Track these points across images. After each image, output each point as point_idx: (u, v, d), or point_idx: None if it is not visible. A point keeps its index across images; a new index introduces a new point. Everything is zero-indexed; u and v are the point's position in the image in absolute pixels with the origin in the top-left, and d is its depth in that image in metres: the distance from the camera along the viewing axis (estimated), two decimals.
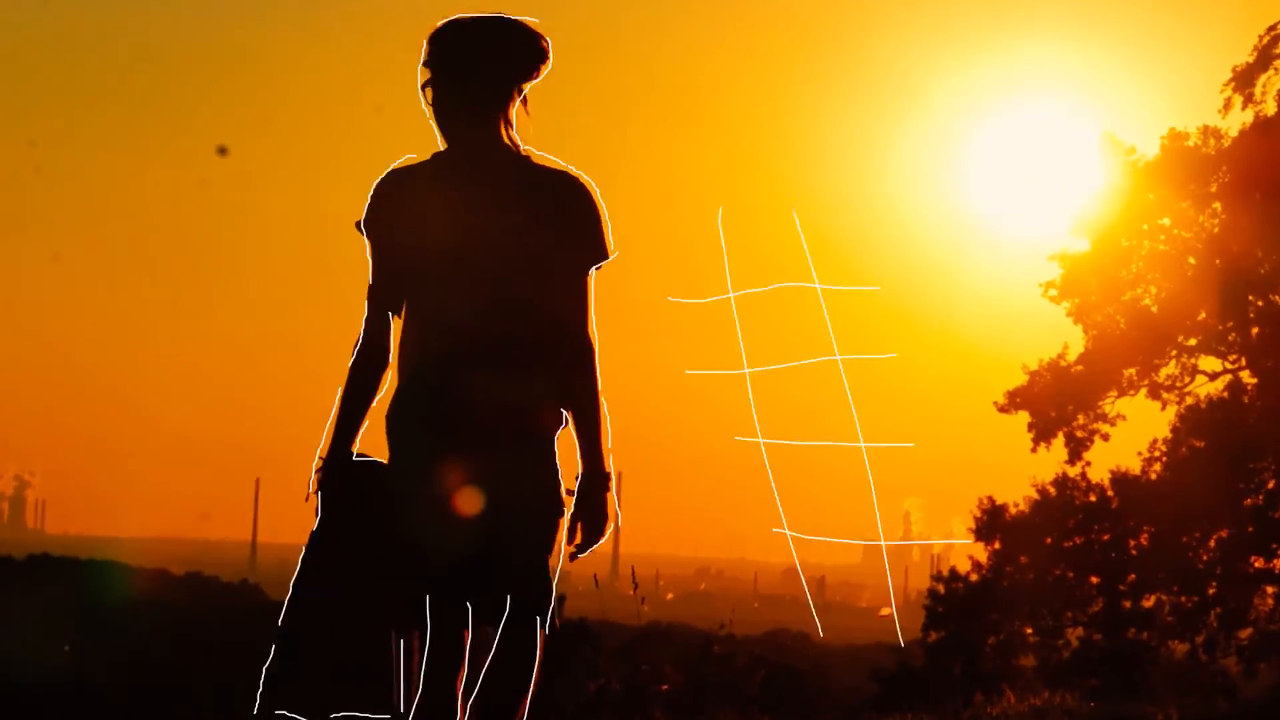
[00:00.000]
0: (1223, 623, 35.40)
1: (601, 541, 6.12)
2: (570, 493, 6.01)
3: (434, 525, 5.86)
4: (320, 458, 5.92)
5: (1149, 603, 36.26)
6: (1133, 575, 36.25)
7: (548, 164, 6.03)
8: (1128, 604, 36.26)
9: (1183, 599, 35.78)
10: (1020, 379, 36.77)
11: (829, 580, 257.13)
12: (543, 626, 6.10)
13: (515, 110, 6.02)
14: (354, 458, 5.94)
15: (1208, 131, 35.32)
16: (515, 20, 6.00)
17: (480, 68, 5.94)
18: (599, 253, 6.01)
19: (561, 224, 5.95)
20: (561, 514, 6.03)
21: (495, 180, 5.95)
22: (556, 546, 6.09)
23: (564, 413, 6.02)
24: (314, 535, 5.92)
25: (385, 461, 5.97)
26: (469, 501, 5.83)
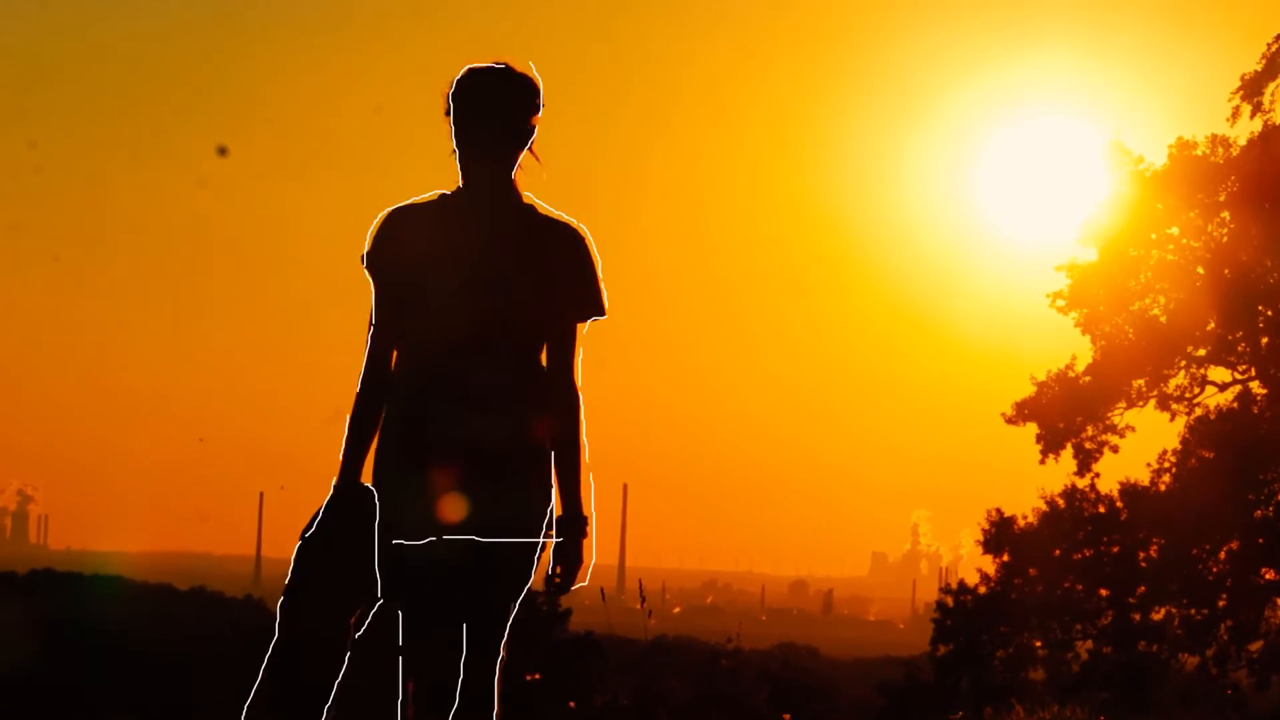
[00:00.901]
0: (1233, 635, 35.23)
1: (577, 585, 6.36)
2: (547, 536, 6.25)
3: (405, 552, 6.14)
4: (334, 485, 6.22)
5: (1159, 615, 36.10)
6: (1142, 588, 36.08)
7: (549, 214, 6.31)
8: (1137, 616, 36.10)
9: (1193, 611, 35.62)
10: (1028, 390, 36.65)
11: (837, 594, 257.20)
12: (496, 654, 6.33)
13: (523, 157, 6.32)
14: (363, 487, 6.23)
15: (1216, 140, 35.21)
16: (523, 72, 6.33)
17: (499, 116, 6.27)
18: (594, 308, 6.30)
19: (557, 275, 6.24)
20: (535, 549, 6.28)
21: (500, 227, 6.24)
22: (535, 573, 6.36)
23: (542, 451, 6.24)
24: (307, 552, 6.18)
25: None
26: (436, 530, 6.11)
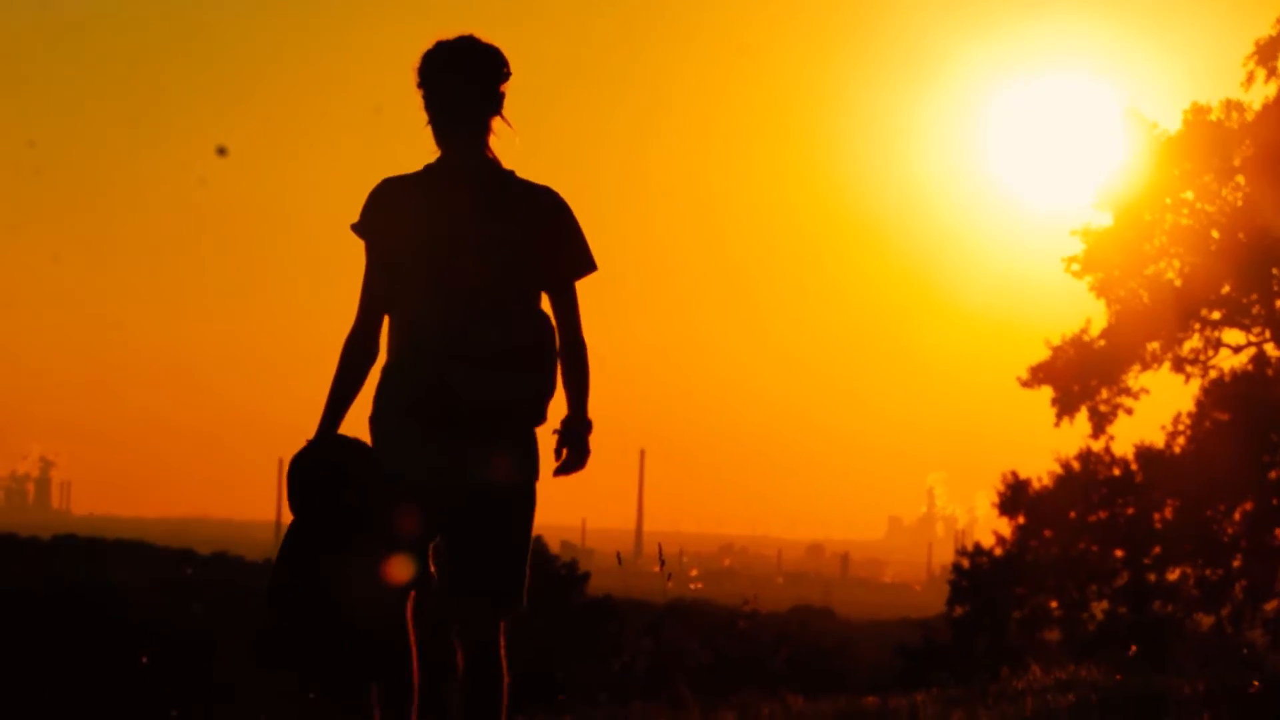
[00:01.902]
0: (1248, 595, 35.40)
1: (579, 469, 6.62)
2: (555, 431, 6.54)
3: (413, 505, 6.39)
4: (308, 441, 6.45)
5: (1174, 576, 36.28)
6: (1157, 548, 36.26)
7: (527, 180, 6.59)
8: (1152, 577, 36.29)
9: (1208, 572, 35.79)
10: (1043, 354, 36.78)
11: (853, 556, 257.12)
12: (518, 604, 6.63)
13: (496, 124, 6.60)
14: (340, 439, 6.48)
15: (1230, 105, 35.26)
16: (488, 43, 6.60)
17: (465, 86, 6.54)
18: (586, 265, 6.62)
19: (545, 235, 6.54)
20: (533, 500, 6.63)
21: (482, 191, 6.52)
22: (530, 528, 6.70)
23: (542, 409, 6.56)
24: (298, 515, 6.42)
25: (367, 443, 6.50)
26: (445, 485, 6.41)
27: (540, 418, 6.57)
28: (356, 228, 6.53)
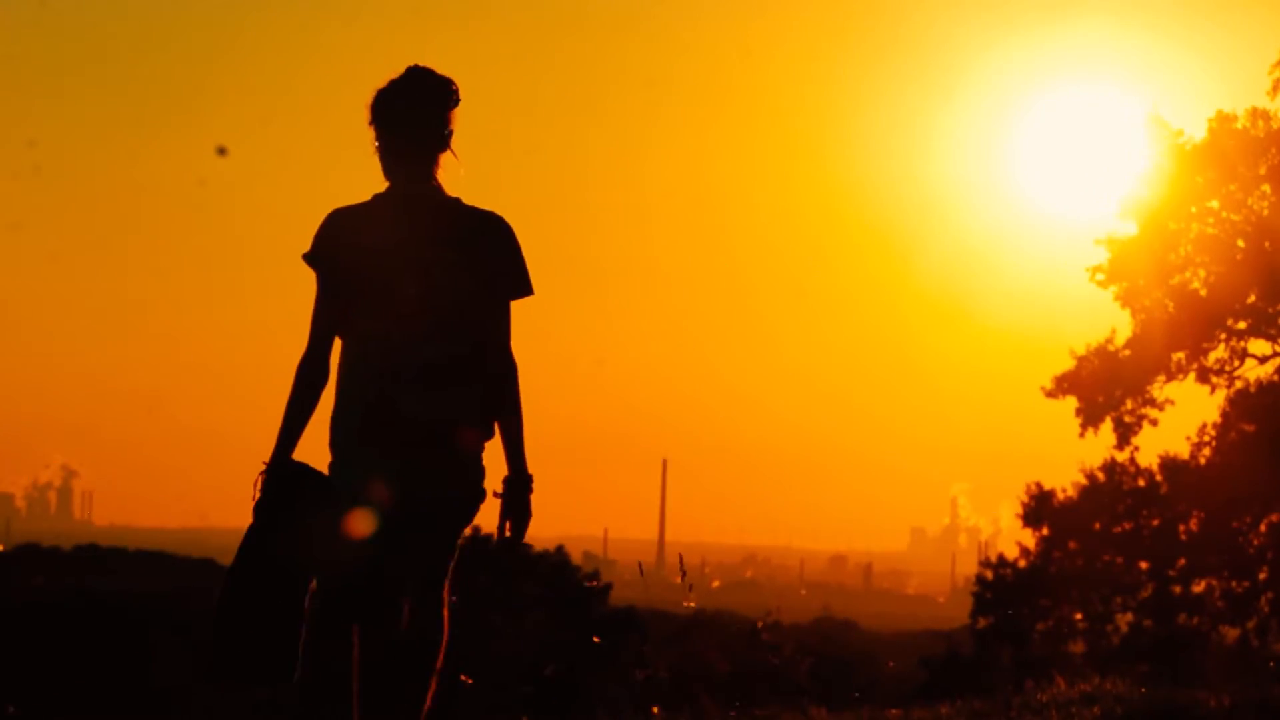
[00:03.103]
0: (1274, 607, 35.21)
1: (523, 534, 6.93)
2: (497, 495, 6.85)
3: (370, 527, 6.65)
4: (264, 464, 6.76)
5: (1199, 588, 36.10)
6: (1183, 560, 36.08)
7: (473, 207, 6.88)
8: (1178, 589, 36.11)
9: (1233, 584, 35.62)
10: (1068, 364, 36.63)
11: (876, 568, 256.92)
12: (452, 595, 6.93)
13: (444, 157, 6.89)
14: (292, 465, 6.77)
15: (1256, 113, 35.12)
16: (435, 74, 6.86)
17: (414, 121, 6.83)
18: (522, 288, 6.91)
19: (488, 261, 6.81)
20: (478, 501, 6.88)
21: (430, 218, 6.80)
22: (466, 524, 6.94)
23: (488, 427, 6.88)
24: (251, 529, 6.71)
25: (321, 470, 6.78)
26: (399, 506, 6.67)
27: (488, 433, 6.86)
28: (308, 258, 6.79)
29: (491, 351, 6.84)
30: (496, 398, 6.86)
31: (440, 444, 6.72)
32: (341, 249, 6.76)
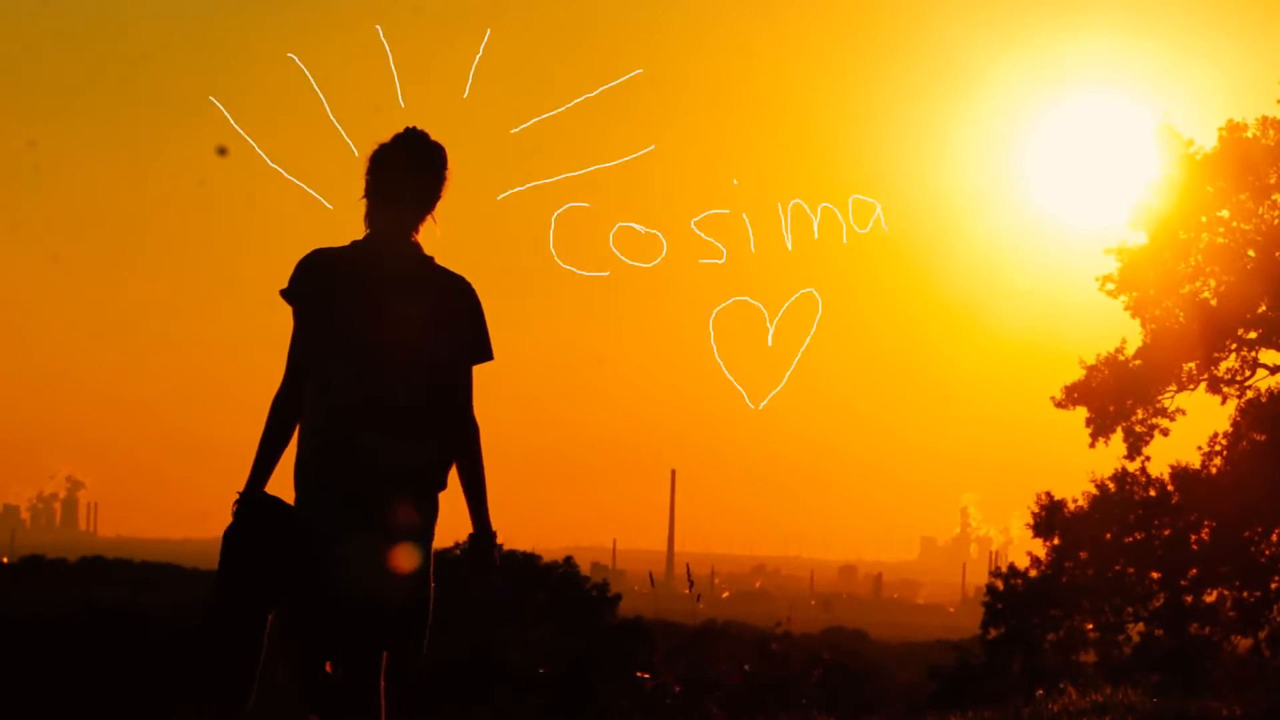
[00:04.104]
0: None
1: (487, 588, 7.18)
2: (460, 550, 7.43)
3: (330, 561, 6.90)
4: (238, 495, 7.02)
5: (1211, 598, 35.98)
6: (1194, 570, 35.96)
7: (444, 268, 7.15)
8: (1189, 599, 35.99)
9: (1245, 594, 35.50)
10: (1077, 374, 36.52)
11: (886, 578, 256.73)
12: (418, 649, 7.12)
13: (427, 222, 7.17)
14: (264, 498, 7.03)
15: (1266, 122, 35.01)
16: (432, 140, 7.15)
17: (413, 179, 7.12)
18: (484, 354, 7.18)
19: (457, 323, 7.10)
20: (429, 555, 7.11)
21: (404, 273, 7.06)
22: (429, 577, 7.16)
23: (444, 476, 7.13)
24: (225, 559, 6.98)
25: (290, 504, 7.03)
26: (360, 544, 6.91)
27: (441, 484, 7.11)
28: (286, 294, 7.04)
29: (454, 412, 7.07)
30: (454, 452, 7.09)
31: (400, 493, 6.94)
32: (319, 290, 7.00)
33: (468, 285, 7.12)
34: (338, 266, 7.03)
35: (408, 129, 7.12)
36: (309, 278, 7.04)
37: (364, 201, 7.14)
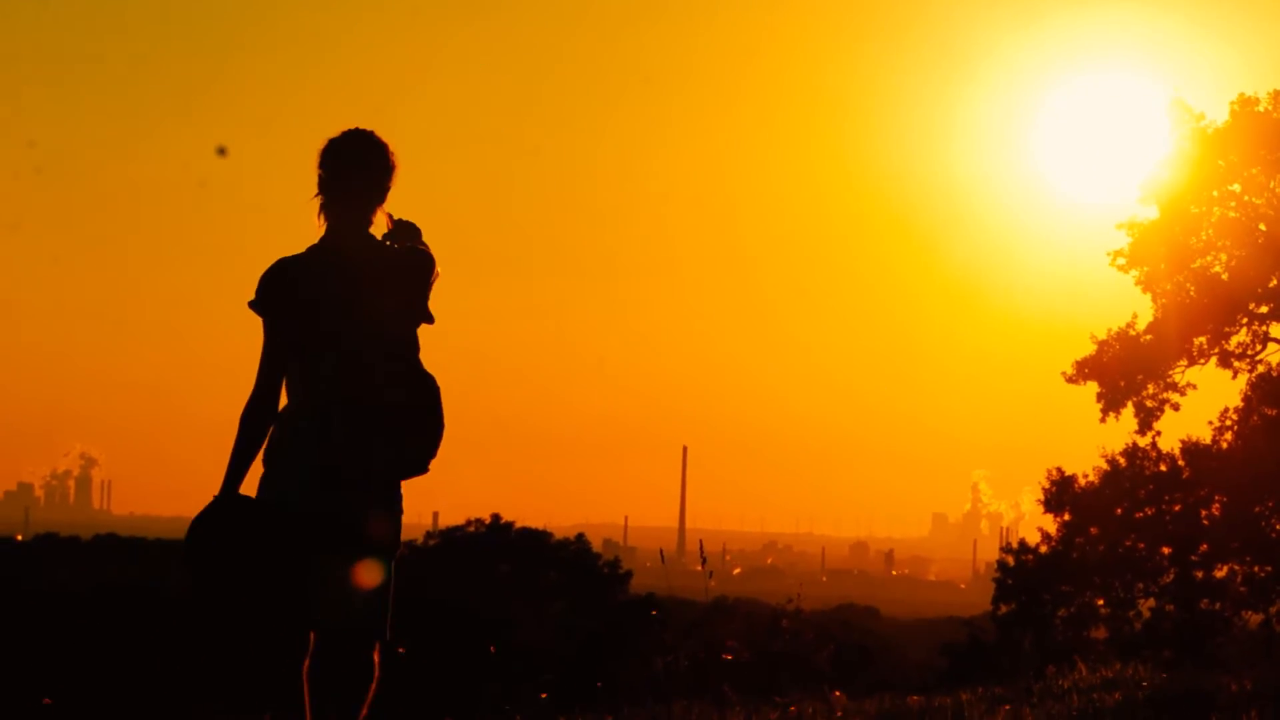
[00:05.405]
0: None
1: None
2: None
3: (297, 548, 7.11)
4: (215, 496, 7.20)
5: (1221, 573, 35.98)
6: (1205, 545, 35.96)
7: (396, 248, 7.39)
8: (1200, 574, 35.99)
9: (1255, 569, 35.50)
10: (1088, 349, 36.49)
11: (897, 554, 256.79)
12: (380, 638, 7.31)
13: (379, 212, 7.41)
14: (239, 499, 7.21)
15: (1278, 97, 34.95)
16: (379, 138, 7.39)
17: (368, 173, 7.38)
18: (424, 318, 7.35)
19: (410, 295, 7.32)
20: (398, 544, 7.34)
21: (366, 265, 7.28)
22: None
23: (425, 464, 7.34)
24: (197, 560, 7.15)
25: (263, 503, 7.22)
26: (331, 532, 7.10)
27: (424, 469, 7.36)
28: (254, 306, 7.27)
29: (417, 379, 7.30)
30: (433, 443, 7.32)
31: (371, 480, 7.17)
32: (288, 298, 7.22)
33: (421, 257, 7.36)
34: (303, 272, 7.25)
35: (353, 129, 7.38)
36: (276, 286, 7.24)
37: (318, 199, 7.35)
